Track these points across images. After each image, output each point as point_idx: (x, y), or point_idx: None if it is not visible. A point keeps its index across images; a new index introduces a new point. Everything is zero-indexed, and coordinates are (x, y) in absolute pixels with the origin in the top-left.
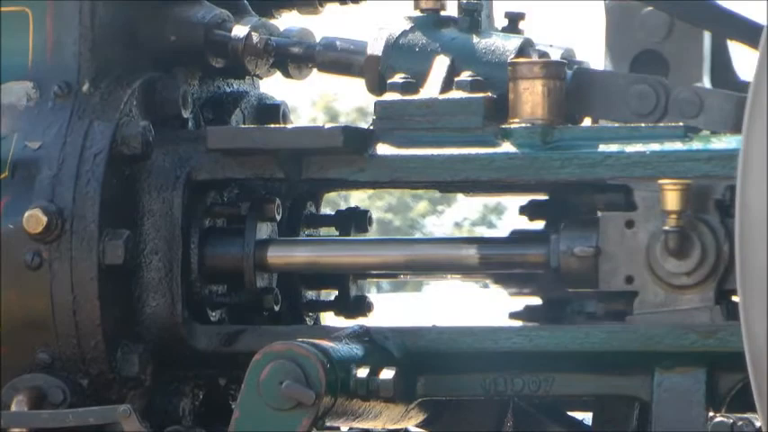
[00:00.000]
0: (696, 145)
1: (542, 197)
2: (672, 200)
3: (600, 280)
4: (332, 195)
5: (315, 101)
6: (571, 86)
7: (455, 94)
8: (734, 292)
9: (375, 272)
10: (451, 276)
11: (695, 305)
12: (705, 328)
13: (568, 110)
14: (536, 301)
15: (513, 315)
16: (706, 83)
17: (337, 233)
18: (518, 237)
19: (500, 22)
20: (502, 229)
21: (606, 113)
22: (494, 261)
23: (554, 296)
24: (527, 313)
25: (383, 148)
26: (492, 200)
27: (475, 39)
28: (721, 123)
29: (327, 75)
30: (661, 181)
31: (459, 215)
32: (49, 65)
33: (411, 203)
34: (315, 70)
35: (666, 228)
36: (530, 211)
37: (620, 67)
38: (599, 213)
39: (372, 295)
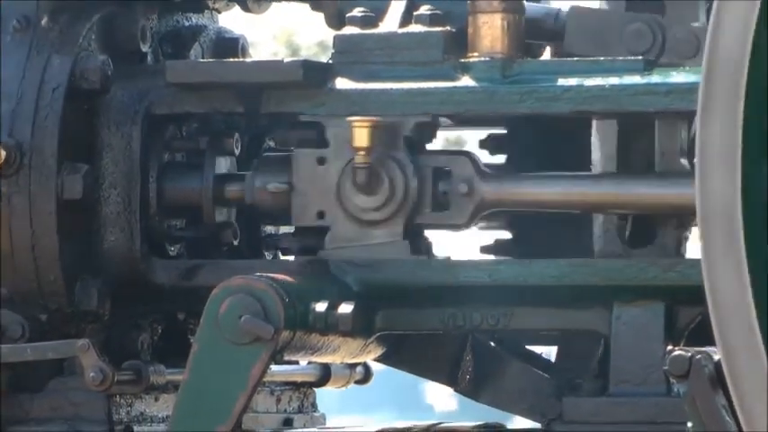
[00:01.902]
0: (655, 78)
1: (502, 131)
2: (360, 136)
3: (293, 215)
4: None
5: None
6: (567, 25)
7: (414, 27)
8: (423, 227)
9: None
10: None
11: (385, 239)
12: (665, 263)
13: (563, 49)
14: (506, 234)
15: (483, 249)
16: (703, 22)
17: None
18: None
19: None
20: None
21: (602, 53)
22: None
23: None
24: (497, 247)
25: (342, 83)
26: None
27: None
28: None
29: (285, 4)
30: (350, 118)
31: None
32: None
33: None
34: (273, 3)
35: (355, 164)
36: (491, 145)
37: (615, 5)
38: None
39: None
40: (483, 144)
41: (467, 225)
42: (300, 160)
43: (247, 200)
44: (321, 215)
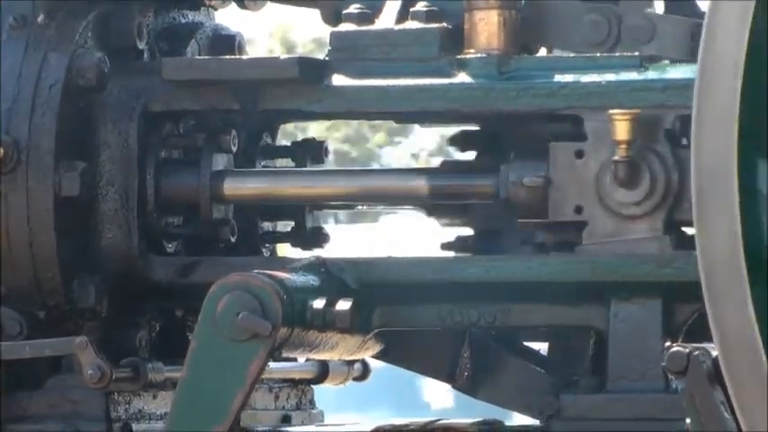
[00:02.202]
0: (651, 74)
1: (474, 127)
2: (621, 130)
3: (549, 210)
4: (290, 127)
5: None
6: (524, 16)
7: (410, 24)
8: (683, 223)
9: (330, 203)
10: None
11: (644, 235)
12: (661, 258)
13: (522, 40)
14: (469, 231)
15: (445, 246)
16: (658, 9)
17: (294, 164)
18: (467, 167)
19: None
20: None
21: (560, 43)
22: (443, 192)
23: (490, 227)
24: (459, 244)
25: (339, 79)
26: (449, 130)
27: None
28: (675, 49)
29: (282, 4)
30: (611, 111)
31: (416, 146)
32: None
33: (368, 134)
34: (269, 1)
35: (616, 158)
36: (461, 141)
37: None
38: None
39: (329, 226)
40: (452, 141)
41: None
42: (558, 153)
43: (501, 194)
44: (579, 210)
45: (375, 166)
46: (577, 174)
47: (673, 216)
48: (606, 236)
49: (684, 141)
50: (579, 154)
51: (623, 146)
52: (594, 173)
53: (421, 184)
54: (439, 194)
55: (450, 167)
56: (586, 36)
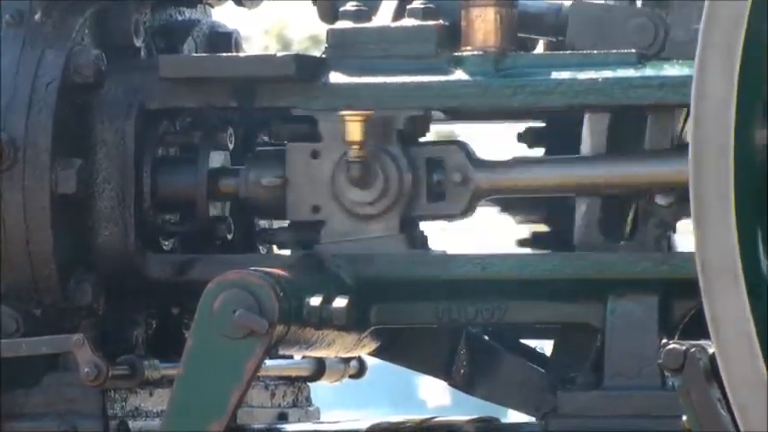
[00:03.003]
0: (649, 71)
1: (540, 124)
2: (353, 130)
3: (287, 210)
4: None
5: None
6: (569, 20)
7: (407, 21)
8: (417, 219)
9: None
10: None
11: (380, 234)
12: (658, 256)
13: (566, 43)
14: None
15: (520, 242)
16: None
17: None
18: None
19: None
20: None
21: (604, 47)
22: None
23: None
24: (533, 240)
25: (336, 76)
26: (445, 128)
27: None
28: None
29: (278, 0)
30: (342, 112)
31: None
32: None
33: None
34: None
35: (349, 158)
36: (528, 138)
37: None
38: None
39: None
40: (521, 137)
41: (464, 214)
42: (294, 154)
43: (241, 194)
44: (316, 209)
45: None
46: (313, 173)
47: (407, 215)
48: (343, 235)
49: (416, 141)
50: (315, 154)
51: (356, 146)
52: (330, 173)
53: None
54: None
55: None
56: (631, 40)
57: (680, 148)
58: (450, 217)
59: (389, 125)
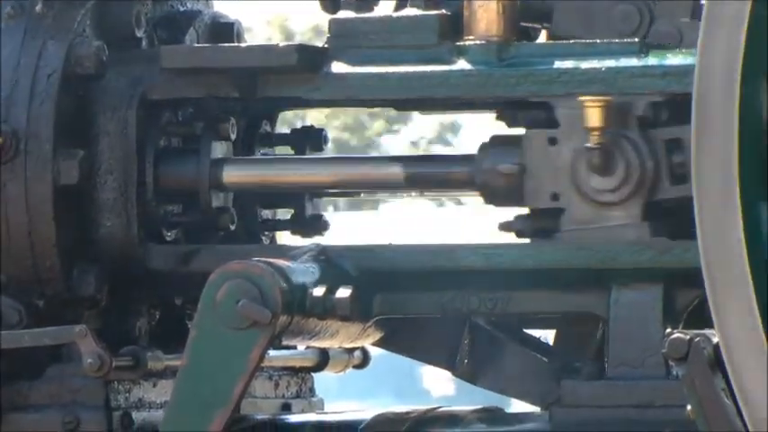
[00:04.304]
0: (651, 60)
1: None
2: (593, 116)
3: (525, 197)
4: (289, 115)
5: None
6: (554, 6)
7: (410, 11)
8: (660, 208)
9: (330, 190)
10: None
11: (622, 221)
12: (662, 245)
13: (551, 29)
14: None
15: (503, 226)
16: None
17: (293, 152)
18: (444, 155)
19: None
20: (458, 147)
21: (589, 34)
22: (419, 179)
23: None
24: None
25: (338, 67)
26: (448, 118)
27: None
28: None
29: None
30: (582, 98)
31: (416, 134)
32: None
33: (367, 123)
34: None
35: (589, 144)
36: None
37: None
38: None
39: (329, 214)
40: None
41: None
42: (532, 141)
43: (477, 181)
44: (555, 197)
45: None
46: (552, 160)
47: (652, 199)
48: (584, 222)
49: (656, 127)
50: (552, 141)
51: (596, 132)
52: (569, 160)
53: (397, 171)
54: (415, 181)
55: (428, 155)
56: (616, 26)
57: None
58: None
59: (628, 110)
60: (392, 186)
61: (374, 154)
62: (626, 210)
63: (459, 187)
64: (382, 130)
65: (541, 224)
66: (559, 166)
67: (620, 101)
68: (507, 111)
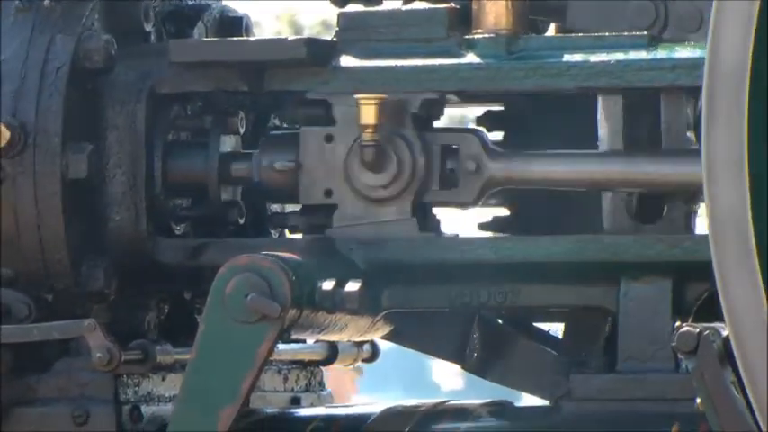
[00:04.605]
0: (660, 54)
1: (499, 107)
2: (367, 114)
3: (300, 194)
4: None
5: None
6: (570, 1)
7: (418, 4)
8: (431, 206)
9: None
10: None
11: (393, 217)
12: (672, 238)
13: (566, 24)
14: (504, 211)
15: (482, 225)
16: None
17: None
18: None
19: None
20: None
21: (604, 28)
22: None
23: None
24: (496, 223)
25: (347, 60)
26: (456, 111)
27: None
28: None
29: None
30: (356, 95)
31: None
32: None
33: None
34: None
35: (362, 142)
36: (488, 121)
37: None
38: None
39: None
40: (480, 121)
41: (475, 203)
42: (308, 138)
43: (254, 178)
44: (328, 193)
45: None
46: (326, 157)
47: (420, 199)
48: (355, 218)
49: (433, 125)
50: (328, 138)
51: (369, 129)
52: (343, 157)
53: None
54: None
55: None
56: (632, 21)
57: (696, 152)
58: (461, 204)
59: (404, 108)
60: None
61: None
62: (397, 206)
63: (240, 184)
64: None
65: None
66: (334, 163)
67: (395, 99)
68: None
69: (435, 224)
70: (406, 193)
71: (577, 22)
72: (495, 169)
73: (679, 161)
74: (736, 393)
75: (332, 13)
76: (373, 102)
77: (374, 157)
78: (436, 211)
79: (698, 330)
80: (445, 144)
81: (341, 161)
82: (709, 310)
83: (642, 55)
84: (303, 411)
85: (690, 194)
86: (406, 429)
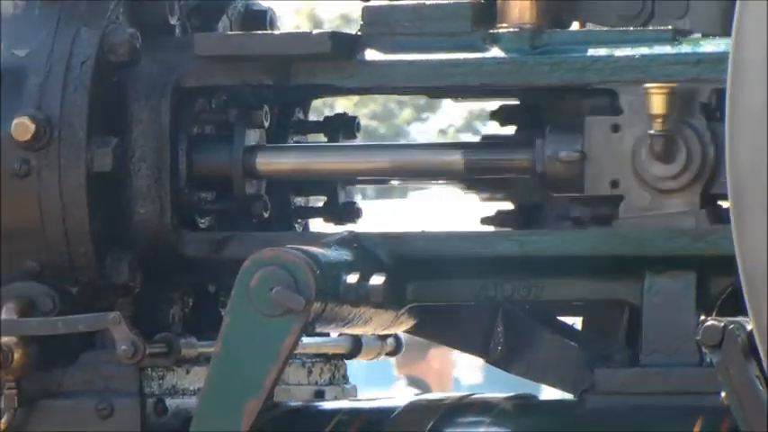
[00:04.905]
0: (685, 48)
1: (514, 101)
2: (657, 103)
3: (585, 184)
4: (318, 103)
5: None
6: None
7: None
8: (719, 197)
9: (363, 178)
10: (435, 183)
11: (680, 209)
12: (696, 232)
13: (555, 13)
14: (508, 205)
15: (484, 220)
16: None
17: (326, 139)
18: (503, 142)
19: None
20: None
21: (592, 17)
22: (479, 166)
23: (528, 201)
24: (499, 218)
25: (371, 54)
26: (476, 106)
27: None
28: (708, 25)
29: None
30: (647, 84)
31: (444, 122)
32: None
33: (396, 111)
34: None
35: (652, 131)
36: (503, 115)
37: None
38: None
39: (358, 202)
40: (493, 115)
41: None
42: (594, 128)
43: (537, 168)
44: (615, 184)
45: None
46: (613, 148)
47: (709, 190)
48: (642, 210)
49: (719, 115)
50: (615, 128)
51: (659, 119)
52: (630, 147)
53: (457, 159)
54: (474, 169)
55: (487, 142)
56: (619, 10)
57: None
58: None
59: (692, 98)
60: (445, 173)
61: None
62: (685, 197)
63: (520, 173)
64: (410, 118)
65: (601, 211)
66: (621, 152)
67: (684, 87)
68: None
69: (724, 216)
70: (695, 185)
71: (566, 11)
72: None
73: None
74: (760, 387)
75: (351, 6)
76: (663, 91)
77: (664, 148)
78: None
79: (723, 324)
80: None
81: (628, 151)
82: (734, 304)
83: (667, 49)
84: (327, 405)
85: None
86: (431, 423)
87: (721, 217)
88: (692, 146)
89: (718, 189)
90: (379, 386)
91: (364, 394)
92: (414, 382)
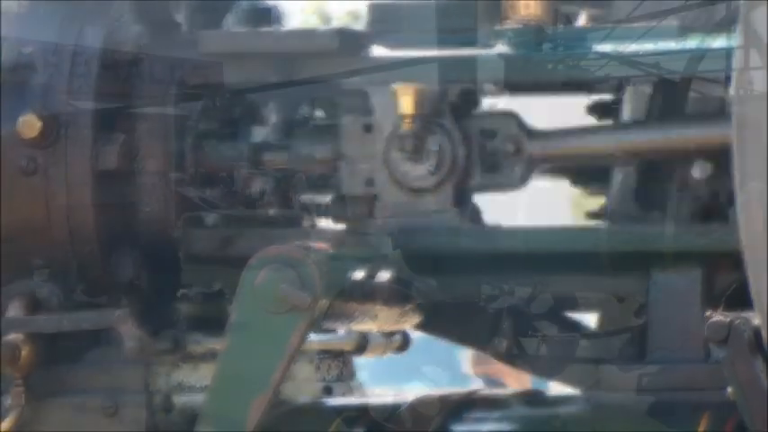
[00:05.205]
0: (691, 43)
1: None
2: (405, 103)
3: (341, 183)
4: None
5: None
6: None
7: None
8: (471, 191)
9: None
10: None
11: (435, 207)
12: (701, 228)
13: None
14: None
15: (591, 214)
16: None
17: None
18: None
19: None
20: None
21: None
22: None
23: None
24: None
25: (378, 51)
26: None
27: None
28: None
29: None
30: (393, 85)
31: None
32: None
33: None
34: None
35: (401, 131)
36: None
37: None
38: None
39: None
40: (590, 110)
41: (518, 184)
42: (347, 128)
43: (293, 168)
44: (370, 183)
45: None
46: (366, 147)
47: (463, 187)
48: (397, 209)
49: (468, 113)
50: (368, 128)
51: (408, 119)
52: (383, 147)
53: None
54: None
55: None
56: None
57: (724, 114)
58: (505, 187)
59: (441, 98)
60: None
61: None
62: (438, 196)
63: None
64: None
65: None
66: (374, 152)
67: (432, 88)
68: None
69: (477, 213)
70: (448, 183)
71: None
72: (534, 148)
73: (708, 124)
74: (767, 382)
75: (358, 3)
76: (410, 91)
77: (414, 147)
78: (479, 200)
79: (729, 320)
80: (483, 129)
81: (381, 150)
82: (740, 300)
83: (672, 45)
84: (335, 401)
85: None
86: (438, 419)
87: (473, 215)
88: (442, 144)
89: (472, 184)
90: (449, 385)
91: (372, 390)
92: (490, 382)
